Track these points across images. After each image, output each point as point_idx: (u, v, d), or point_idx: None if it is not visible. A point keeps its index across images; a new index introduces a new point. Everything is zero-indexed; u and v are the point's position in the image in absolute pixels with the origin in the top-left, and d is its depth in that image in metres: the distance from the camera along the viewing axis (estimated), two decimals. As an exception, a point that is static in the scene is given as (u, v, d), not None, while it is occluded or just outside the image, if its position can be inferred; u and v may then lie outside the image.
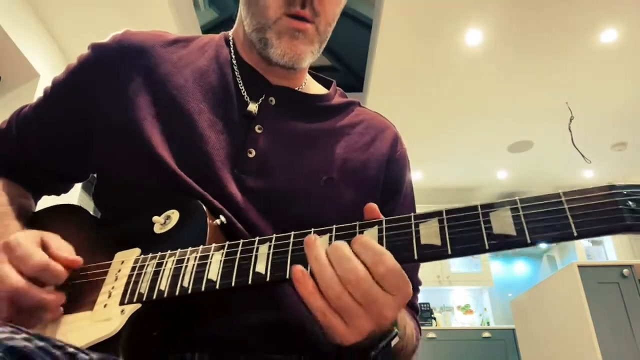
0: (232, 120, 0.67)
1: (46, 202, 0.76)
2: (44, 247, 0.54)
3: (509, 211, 0.42)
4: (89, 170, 0.76)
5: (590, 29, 3.11)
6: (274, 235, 0.49)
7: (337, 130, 0.73)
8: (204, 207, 0.57)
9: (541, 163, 4.88)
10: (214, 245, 0.51)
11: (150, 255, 0.54)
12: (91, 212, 0.69)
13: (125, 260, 0.55)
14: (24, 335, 0.31)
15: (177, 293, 0.48)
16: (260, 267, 0.47)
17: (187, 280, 0.49)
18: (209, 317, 0.56)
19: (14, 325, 0.33)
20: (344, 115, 0.77)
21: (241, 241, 0.50)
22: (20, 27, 2.77)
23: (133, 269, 0.53)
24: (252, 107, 0.68)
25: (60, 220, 0.68)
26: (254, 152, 0.65)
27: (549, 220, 0.40)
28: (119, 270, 0.54)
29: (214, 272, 0.48)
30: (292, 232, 0.49)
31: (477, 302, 5.52)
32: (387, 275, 0.43)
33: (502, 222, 0.41)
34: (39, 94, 0.82)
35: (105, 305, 0.51)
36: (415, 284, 0.74)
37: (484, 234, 0.41)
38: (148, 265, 0.53)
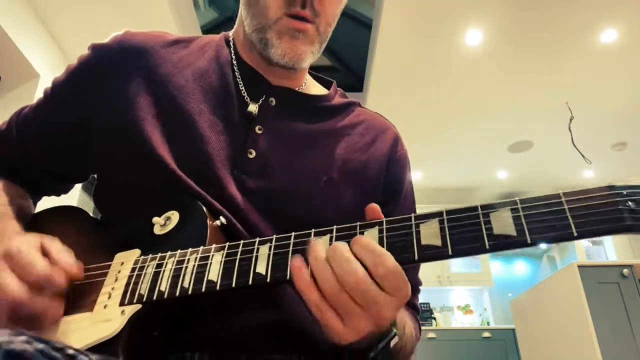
0: (233, 121, 0.67)
1: (46, 203, 0.76)
2: (44, 252, 0.53)
3: (509, 211, 0.42)
4: (89, 170, 0.76)
5: (590, 29, 3.11)
6: (275, 236, 0.49)
7: (338, 131, 0.73)
8: (204, 208, 0.57)
9: (541, 163, 4.88)
10: (214, 246, 0.51)
11: (150, 256, 0.54)
12: (91, 213, 0.69)
13: (125, 261, 0.55)
14: (23, 337, 0.31)
15: (177, 294, 0.48)
16: (261, 268, 0.47)
17: (187, 281, 0.49)
18: (209, 317, 0.56)
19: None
20: (345, 115, 0.77)
21: (241, 242, 0.50)
22: (20, 27, 2.77)
23: (133, 269, 0.53)
24: (253, 108, 0.68)
25: (59, 221, 0.68)
26: (254, 153, 0.65)
27: (549, 220, 0.40)
28: (119, 271, 0.54)
29: (214, 272, 0.48)
30: (293, 233, 0.49)
31: (477, 302, 5.52)
32: (387, 277, 0.43)
33: (503, 223, 0.41)
34: (39, 94, 0.82)
35: (105, 306, 0.51)
36: (416, 284, 0.74)
37: (485, 235, 0.42)
38: (148, 266, 0.52)
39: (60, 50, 3.15)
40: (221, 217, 0.58)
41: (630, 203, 0.38)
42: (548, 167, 4.99)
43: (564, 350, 2.56)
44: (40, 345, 0.31)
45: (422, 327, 0.77)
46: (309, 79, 0.81)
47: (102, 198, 0.70)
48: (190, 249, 0.52)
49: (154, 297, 0.49)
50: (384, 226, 0.46)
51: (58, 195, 0.80)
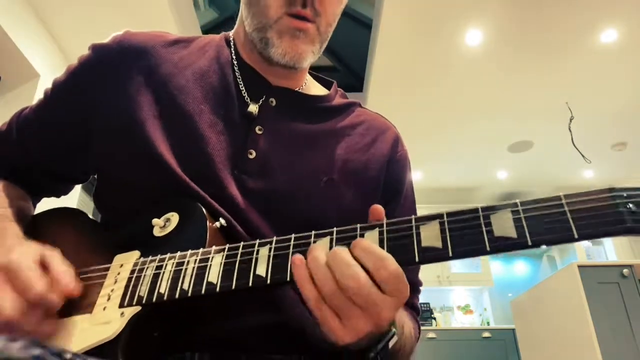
0: (233, 121, 0.67)
1: (45, 204, 0.76)
2: (45, 266, 0.52)
3: (510, 213, 0.42)
4: (90, 171, 0.76)
5: (590, 29, 3.11)
6: (275, 238, 0.49)
7: (338, 131, 0.73)
8: (204, 209, 0.57)
9: (541, 163, 4.88)
10: (214, 247, 0.51)
11: (149, 258, 0.54)
12: (91, 214, 0.69)
13: (125, 263, 0.55)
14: (19, 343, 0.31)
15: (177, 296, 0.48)
16: (261, 270, 0.47)
17: (187, 283, 0.49)
18: (209, 319, 0.56)
19: None
20: (345, 116, 0.77)
21: (241, 244, 0.50)
22: (20, 27, 2.77)
23: (132, 271, 0.53)
24: (253, 108, 0.68)
25: (58, 223, 0.68)
26: (254, 153, 0.65)
27: (550, 222, 0.40)
28: (119, 273, 0.54)
29: (214, 274, 0.48)
30: (293, 235, 0.49)
31: (477, 302, 5.52)
32: (389, 281, 0.43)
33: (503, 225, 0.41)
34: (39, 94, 0.82)
35: (104, 308, 0.51)
36: (416, 284, 0.74)
37: (485, 237, 0.42)
38: (148, 267, 0.52)
39: (60, 50, 3.15)
40: (221, 219, 0.58)
41: (630, 205, 0.38)
42: (548, 167, 4.99)
43: (564, 350, 2.56)
44: (37, 351, 0.31)
45: (422, 327, 0.77)
46: (309, 79, 0.81)
47: (102, 198, 0.70)
48: (189, 251, 0.52)
49: (154, 299, 0.49)
50: (384, 228, 0.46)
51: (58, 196, 0.80)
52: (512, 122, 4.16)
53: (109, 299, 0.52)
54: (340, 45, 3.26)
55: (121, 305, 0.50)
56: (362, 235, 0.46)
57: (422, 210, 0.48)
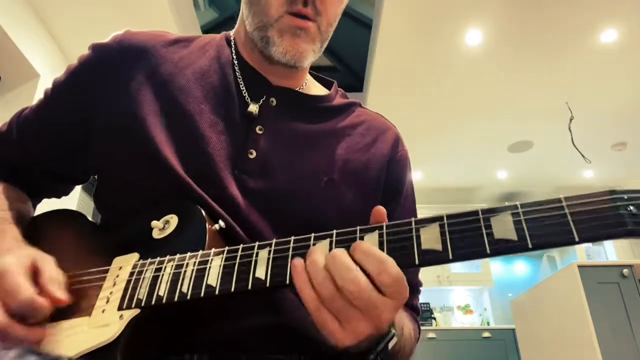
0: (233, 121, 0.67)
1: (46, 204, 0.76)
2: (36, 273, 0.51)
3: (510, 216, 0.41)
4: (90, 171, 0.76)
5: (590, 29, 3.11)
6: (274, 240, 0.49)
7: (338, 131, 0.73)
8: (203, 211, 0.57)
9: (541, 163, 4.88)
10: (213, 250, 0.51)
11: (149, 260, 0.53)
12: (91, 214, 0.69)
13: (124, 265, 0.55)
14: (14, 352, 0.30)
15: (176, 298, 0.48)
16: (260, 272, 0.46)
17: (186, 286, 0.48)
18: (208, 321, 0.56)
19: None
20: (345, 116, 0.77)
21: (241, 246, 0.50)
22: (20, 27, 2.76)
23: (131, 274, 0.53)
24: (253, 108, 0.68)
25: (58, 225, 0.67)
26: (254, 153, 0.65)
27: (551, 225, 0.40)
28: (117, 276, 0.54)
29: (213, 277, 0.48)
30: (292, 237, 0.48)
31: (477, 302, 5.52)
32: (390, 284, 0.43)
33: (503, 227, 0.41)
34: (39, 94, 0.82)
35: (103, 311, 0.51)
36: (416, 285, 0.74)
37: (485, 239, 0.41)
38: (147, 270, 0.52)
39: (60, 50, 3.15)
40: (220, 221, 0.58)
41: (631, 207, 0.38)
42: (548, 167, 4.99)
43: (564, 350, 2.56)
44: (32, 359, 0.31)
45: (422, 327, 0.77)
46: (309, 79, 0.80)
47: (102, 198, 0.70)
48: (189, 253, 0.51)
49: (153, 302, 0.49)
50: (384, 230, 0.46)
51: (58, 197, 0.80)
52: (512, 122, 4.16)
53: (107, 301, 0.51)
54: (340, 45, 3.26)
55: (120, 308, 0.50)
56: (361, 238, 0.46)
57: (422, 210, 0.48)
